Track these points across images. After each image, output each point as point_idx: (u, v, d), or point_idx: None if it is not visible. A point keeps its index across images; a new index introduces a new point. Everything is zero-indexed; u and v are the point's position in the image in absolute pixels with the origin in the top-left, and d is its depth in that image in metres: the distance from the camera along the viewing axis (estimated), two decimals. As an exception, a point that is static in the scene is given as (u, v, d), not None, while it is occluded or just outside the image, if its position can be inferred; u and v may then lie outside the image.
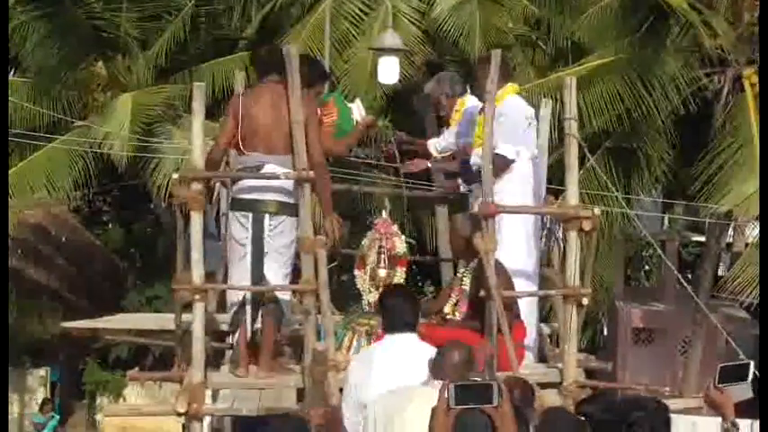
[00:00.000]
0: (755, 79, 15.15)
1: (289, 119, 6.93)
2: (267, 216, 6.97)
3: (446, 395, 4.10)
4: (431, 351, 5.75)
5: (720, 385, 4.57)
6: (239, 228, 7.03)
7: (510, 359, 6.73)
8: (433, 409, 4.18)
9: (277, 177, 6.96)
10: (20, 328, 18.64)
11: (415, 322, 6.09)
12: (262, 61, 7.31)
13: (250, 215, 6.98)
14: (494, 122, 7.08)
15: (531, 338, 7.48)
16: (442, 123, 8.17)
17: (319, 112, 7.71)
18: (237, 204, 7.07)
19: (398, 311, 6.05)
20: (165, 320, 8.92)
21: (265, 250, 6.98)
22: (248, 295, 7.07)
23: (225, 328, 7.53)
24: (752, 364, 4.62)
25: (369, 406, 5.51)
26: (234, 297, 7.17)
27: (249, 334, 7.08)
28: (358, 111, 7.96)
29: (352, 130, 7.87)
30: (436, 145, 8.28)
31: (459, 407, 4.09)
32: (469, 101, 7.96)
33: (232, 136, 7.06)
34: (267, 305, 7.06)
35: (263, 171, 6.97)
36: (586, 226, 7.02)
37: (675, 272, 14.72)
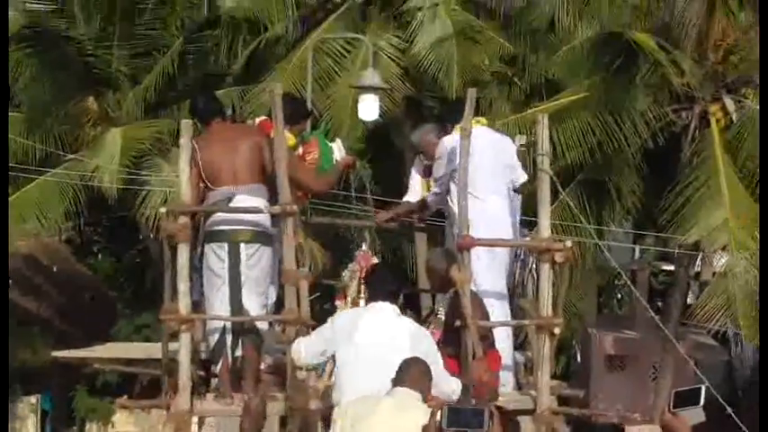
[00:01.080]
0: (720, 115, 15.32)
1: (247, 148, 7.11)
2: (243, 245, 7.02)
3: (438, 417, 4.13)
4: (410, 322, 6.53)
5: (675, 410, 4.60)
6: (215, 259, 7.08)
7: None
8: (424, 428, 4.24)
9: (260, 211, 7.01)
10: (11, 356, 18.51)
11: (397, 295, 6.63)
12: (204, 110, 7.47)
13: (226, 245, 7.03)
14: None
15: (508, 361, 7.49)
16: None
17: (302, 149, 7.78)
18: (212, 236, 7.12)
19: (382, 283, 6.69)
20: (152, 349, 8.90)
21: (242, 279, 7.02)
22: (228, 324, 7.09)
23: (204, 356, 7.52)
24: (703, 388, 4.66)
25: (341, 409, 6.01)
26: (212, 326, 7.18)
27: (230, 362, 7.09)
28: (338, 150, 8.01)
29: (331, 169, 7.91)
30: (432, 202, 8.04)
31: (451, 429, 4.10)
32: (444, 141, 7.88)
33: (197, 183, 7.15)
34: (248, 334, 7.08)
35: (233, 202, 7.06)
36: (559, 258, 7.05)
37: (644, 302, 14.79)
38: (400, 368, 6.01)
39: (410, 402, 5.82)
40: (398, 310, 6.55)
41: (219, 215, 7.09)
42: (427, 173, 7.94)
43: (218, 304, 7.08)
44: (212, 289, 7.12)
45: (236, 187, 7.08)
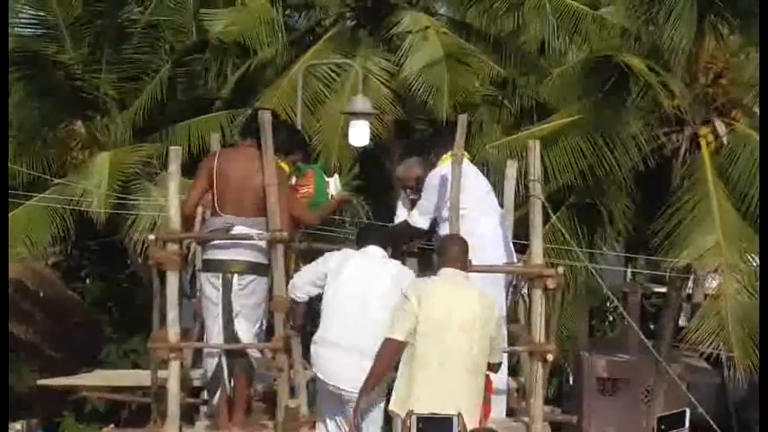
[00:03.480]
0: (711, 138, 15.37)
1: (261, 181, 6.95)
2: (236, 276, 6.95)
3: (409, 425, 4.16)
4: (395, 265, 6.93)
5: None
6: (211, 288, 7.03)
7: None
8: None
9: (251, 239, 6.96)
10: (-2, 382, 18.38)
11: (384, 241, 7.04)
12: (244, 124, 7.39)
13: (219, 275, 6.96)
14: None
15: (501, 386, 7.45)
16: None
17: (296, 180, 7.73)
18: (208, 265, 7.07)
19: (370, 231, 7.48)
20: (141, 376, 8.83)
21: (236, 309, 6.96)
22: (224, 354, 7.03)
23: (198, 383, 7.48)
24: (688, 411, 4.65)
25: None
26: (210, 355, 7.13)
27: (228, 393, 7.04)
28: (334, 186, 8.00)
29: (325, 203, 7.87)
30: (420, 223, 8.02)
31: None
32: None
33: (204, 191, 7.06)
34: (239, 363, 7.03)
35: (232, 232, 6.97)
36: (550, 284, 7.04)
37: (635, 326, 14.78)
38: (441, 249, 6.55)
39: (459, 280, 6.35)
40: (386, 255, 6.95)
41: (216, 243, 7.01)
42: (412, 206, 7.89)
43: (216, 332, 7.03)
44: (210, 316, 7.08)
45: (236, 218, 6.99)
